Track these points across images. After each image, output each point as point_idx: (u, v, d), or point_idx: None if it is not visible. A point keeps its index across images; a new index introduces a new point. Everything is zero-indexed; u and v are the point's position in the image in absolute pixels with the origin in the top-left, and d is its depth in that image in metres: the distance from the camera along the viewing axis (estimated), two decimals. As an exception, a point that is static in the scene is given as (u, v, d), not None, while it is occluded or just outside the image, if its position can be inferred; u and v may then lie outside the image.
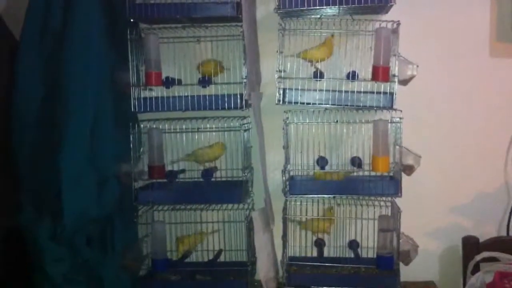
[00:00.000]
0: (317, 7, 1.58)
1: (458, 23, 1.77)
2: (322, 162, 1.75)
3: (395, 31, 1.62)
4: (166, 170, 1.77)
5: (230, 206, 1.77)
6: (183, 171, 1.81)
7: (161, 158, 1.76)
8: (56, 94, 1.57)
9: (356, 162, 1.74)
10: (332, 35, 1.69)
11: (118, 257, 1.67)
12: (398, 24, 1.61)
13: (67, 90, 1.56)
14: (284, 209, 1.73)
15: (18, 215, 1.58)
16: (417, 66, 1.64)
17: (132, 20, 1.65)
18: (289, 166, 1.72)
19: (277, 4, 1.60)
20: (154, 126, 1.74)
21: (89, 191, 1.58)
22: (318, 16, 1.69)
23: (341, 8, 1.61)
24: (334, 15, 1.70)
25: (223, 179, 1.82)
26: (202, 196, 1.73)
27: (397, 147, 1.67)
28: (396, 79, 1.63)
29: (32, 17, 1.60)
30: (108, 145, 1.63)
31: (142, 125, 1.74)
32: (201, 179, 1.77)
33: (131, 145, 1.70)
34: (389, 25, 1.62)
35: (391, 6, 1.59)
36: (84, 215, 1.57)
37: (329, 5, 1.58)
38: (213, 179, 1.78)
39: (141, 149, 1.75)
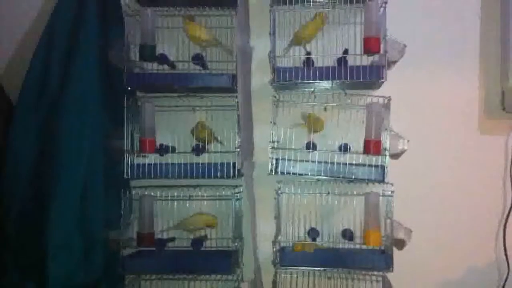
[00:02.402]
0: (311, 81, 1.63)
1: (447, 100, 1.81)
2: (313, 233, 1.74)
3: (386, 106, 1.65)
4: (156, 238, 1.75)
5: (219, 276, 1.74)
6: (172, 239, 1.79)
7: (151, 225, 1.74)
8: (48, 159, 1.58)
9: (347, 234, 1.73)
10: (325, 109, 1.73)
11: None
12: (389, 99, 1.65)
13: (59, 155, 1.58)
14: (274, 281, 1.70)
15: (2, 277, 1.56)
16: (408, 140, 1.66)
17: (129, 88, 1.67)
18: (280, 237, 1.70)
19: (272, 77, 1.64)
20: (146, 193, 1.73)
21: (76, 256, 1.57)
22: (312, 89, 1.73)
23: (334, 82, 1.65)
24: (327, 89, 1.74)
25: (213, 248, 1.79)
26: (190, 266, 1.70)
27: (388, 220, 1.67)
28: (387, 153, 1.65)
29: (31, 81, 1.64)
30: (98, 211, 1.63)
31: (133, 192, 1.73)
32: (190, 248, 1.75)
33: (122, 212, 1.69)
34: (381, 100, 1.65)
35: (382, 82, 1.63)
36: (69, 281, 1.54)
37: (322, 80, 1.62)
38: (202, 248, 1.76)
39: (131, 216, 1.74)
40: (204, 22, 1.75)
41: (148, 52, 1.66)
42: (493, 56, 1.79)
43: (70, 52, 1.62)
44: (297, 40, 1.68)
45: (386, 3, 1.59)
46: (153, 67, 1.72)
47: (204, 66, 1.71)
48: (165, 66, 1.72)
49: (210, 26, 1.75)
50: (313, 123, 1.70)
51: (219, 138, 1.77)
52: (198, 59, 1.70)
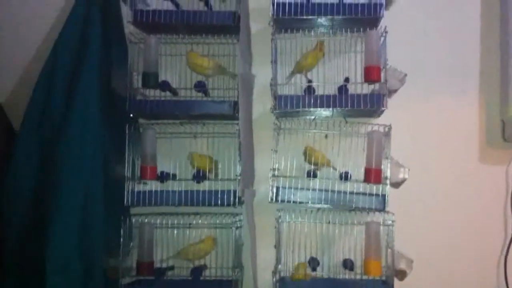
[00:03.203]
0: (312, 109, 1.64)
1: (448, 129, 1.82)
2: (313, 263, 1.72)
3: (387, 135, 1.66)
4: (155, 266, 1.73)
5: (218, 306, 1.71)
6: (172, 268, 1.77)
7: (151, 254, 1.72)
8: (49, 184, 1.58)
9: (348, 264, 1.72)
10: (326, 136, 1.74)
11: None
12: (390, 128, 1.66)
13: (59, 181, 1.57)
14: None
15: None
16: (409, 169, 1.66)
17: (131, 115, 1.68)
18: (280, 266, 1.69)
19: (273, 104, 1.65)
20: (146, 221, 1.72)
21: (75, 282, 1.55)
22: (313, 117, 1.75)
23: (335, 110, 1.66)
24: (328, 116, 1.75)
25: (213, 278, 1.77)
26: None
27: (389, 250, 1.66)
28: (388, 182, 1.65)
29: (34, 106, 1.65)
30: (98, 237, 1.61)
31: (133, 219, 1.72)
32: (190, 277, 1.73)
33: (121, 240, 1.68)
34: (381, 129, 1.66)
35: (383, 110, 1.64)
36: None
37: (323, 107, 1.63)
38: (202, 278, 1.74)
39: (131, 244, 1.73)
40: (207, 50, 1.77)
41: (151, 80, 1.67)
42: (493, 86, 1.81)
43: (73, 78, 1.64)
44: (299, 69, 1.70)
45: (386, 32, 1.62)
46: (155, 93, 1.73)
47: (206, 93, 1.73)
48: (167, 93, 1.74)
49: (213, 54, 1.77)
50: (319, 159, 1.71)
51: (218, 168, 1.77)
52: (200, 86, 1.72)
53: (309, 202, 1.70)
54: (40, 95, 1.66)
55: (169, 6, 1.71)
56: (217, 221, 1.75)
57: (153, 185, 1.73)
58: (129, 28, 1.71)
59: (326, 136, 1.74)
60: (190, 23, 1.66)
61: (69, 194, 1.57)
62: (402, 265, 1.66)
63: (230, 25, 1.66)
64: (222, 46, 1.77)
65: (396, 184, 1.68)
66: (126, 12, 1.69)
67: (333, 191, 1.69)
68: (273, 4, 1.61)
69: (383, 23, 1.63)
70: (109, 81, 1.66)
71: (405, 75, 1.62)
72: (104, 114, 1.66)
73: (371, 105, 1.61)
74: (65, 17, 1.72)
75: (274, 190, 1.69)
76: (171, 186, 1.73)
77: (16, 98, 1.83)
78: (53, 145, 1.61)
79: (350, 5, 1.61)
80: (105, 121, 1.66)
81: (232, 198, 1.68)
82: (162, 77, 1.73)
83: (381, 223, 1.67)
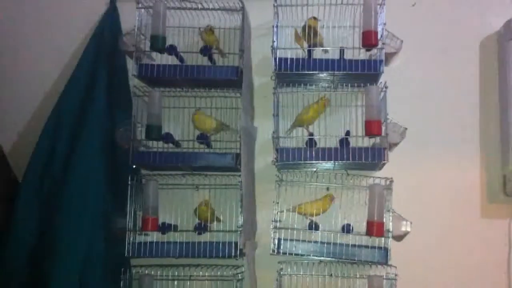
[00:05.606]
0: (314, 162, 1.65)
1: (449, 184, 1.82)
2: (315, 317, 1.70)
3: (388, 188, 1.66)
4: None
5: None
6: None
7: (150, 306, 1.71)
8: (49, 238, 1.58)
9: (351, 318, 1.70)
10: (328, 189, 1.74)
11: None
12: (391, 181, 1.66)
13: (59, 235, 1.59)
14: None
15: None
16: (411, 222, 1.65)
17: (134, 166, 1.70)
18: (281, 321, 1.67)
19: (274, 157, 1.66)
20: (146, 272, 1.71)
21: None
22: (314, 169, 1.75)
23: (336, 163, 1.67)
24: (329, 169, 1.76)
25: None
26: None
27: (392, 304, 1.64)
28: (390, 235, 1.64)
29: (37, 159, 1.67)
30: None
31: (134, 271, 1.71)
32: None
33: (121, 291, 1.67)
34: (383, 182, 1.67)
35: (384, 164, 1.65)
36: None
37: (325, 160, 1.64)
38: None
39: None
40: (210, 103, 1.80)
41: (155, 133, 1.69)
42: (493, 141, 1.82)
43: (78, 130, 1.66)
44: (300, 122, 1.72)
45: (386, 87, 1.64)
46: (158, 145, 1.75)
47: (208, 145, 1.74)
48: (170, 145, 1.75)
49: (215, 107, 1.80)
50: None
51: (221, 218, 1.77)
52: (202, 138, 1.74)
53: (311, 255, 1.69)
54: (43, 146, 1.69)
55: (174, 60, 1.75)
56: (218, 273, 1.73)
57: (154, 236, 1.73)
58: (133, 81, 1.75)
59: (327, 189, 1.75)
60: (194, 77, 1.70)
61: (70, 245, 1.58)
62: (405, 320, 1.64)
63: (233, 79, 1.70)
64: (225, 99, 1.80)
65: (398, 237, 1.67)
66: (131, 65, 1.73)
67: (335, 244, 1.69)
68: (275, 60, 1.64)
69: (383, 78, 1.66)
70: (112, 132, 1.68)
71: (405, 129, 1.64)
72: (107, 165, 1.68)
73: (372, 159, 1.62)
74: (70, 71, 1.76)
75: (276, 242, 1.69)
76: (172, 237, 1.73)
77: (19, 150, 1.85)
78: (55, 196, 1.62)
79: (350, 61, 1.64)
80: (108, 172, 1.67)
81: (233, 250, 1.68)
82: (165, 129, 1.76)
83: (384, 277, 1.65)
